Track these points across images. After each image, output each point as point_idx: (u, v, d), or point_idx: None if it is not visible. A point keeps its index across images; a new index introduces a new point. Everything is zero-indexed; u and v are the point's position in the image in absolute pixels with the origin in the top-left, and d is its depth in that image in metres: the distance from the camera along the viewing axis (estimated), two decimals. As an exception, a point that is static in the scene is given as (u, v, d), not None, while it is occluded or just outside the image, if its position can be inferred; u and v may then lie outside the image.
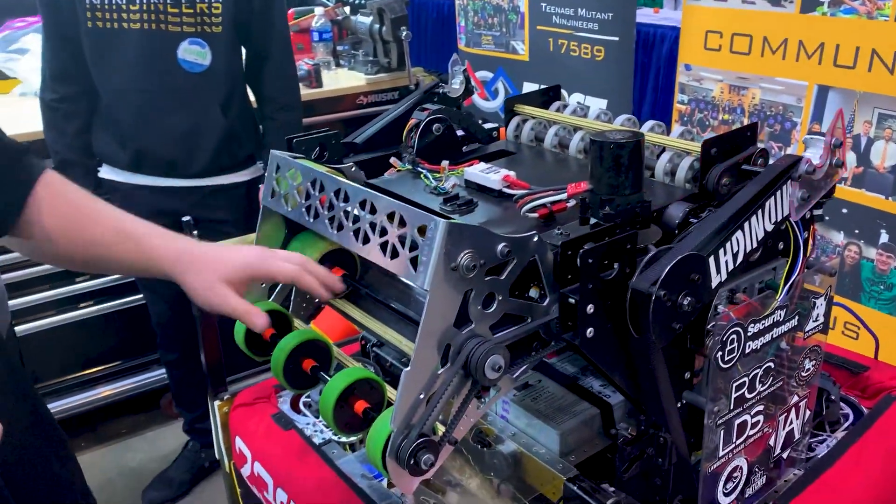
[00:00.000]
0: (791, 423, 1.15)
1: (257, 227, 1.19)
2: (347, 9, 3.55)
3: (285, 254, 1.10)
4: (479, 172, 1.19)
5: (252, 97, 2.57)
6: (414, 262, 0.90)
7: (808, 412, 1.17)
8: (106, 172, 2.51)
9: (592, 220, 0.98)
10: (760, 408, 1.07)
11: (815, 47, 2.13)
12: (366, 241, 0.97)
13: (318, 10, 3.49)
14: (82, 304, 3.02)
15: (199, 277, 1.04)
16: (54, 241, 1.06)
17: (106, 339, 3.15)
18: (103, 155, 2.48)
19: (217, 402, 1.63)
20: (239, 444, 1.47)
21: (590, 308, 0.84)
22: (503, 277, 0.92)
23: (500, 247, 0.91)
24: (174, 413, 3.15)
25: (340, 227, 1.01)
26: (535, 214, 1.06)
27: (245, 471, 1.43)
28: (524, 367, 0.95)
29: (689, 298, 0.87)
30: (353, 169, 1.29)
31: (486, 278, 0.91)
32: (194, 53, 2.25)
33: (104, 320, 3.06)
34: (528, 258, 0.94)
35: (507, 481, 1.22)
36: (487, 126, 1.50)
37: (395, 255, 0.92)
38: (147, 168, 2.43)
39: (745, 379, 1.01)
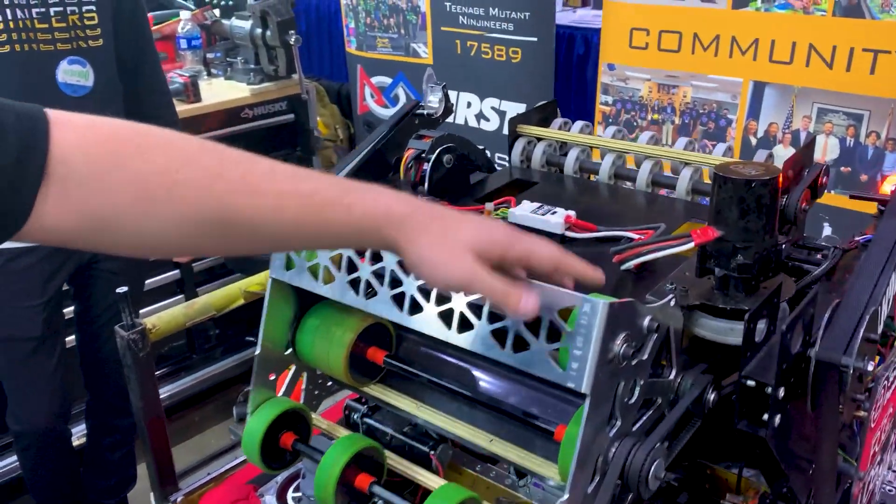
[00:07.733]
0: (889, 463, 1.05)
1: (265, 303, 0.93)
2: (217, 12, 3.18)
3: (539, 238, 0.75)
4: (531, 214, 1.00)
5: None
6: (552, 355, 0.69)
7: (897, 448, 1.08)
8: None
9: (719, 272, 0.83)
10: (879, 458, 0.96)
11: (750, 43, 2.10)
12: (464, 327, 0.75)
13: (185, 15, 3.08)
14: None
15: (436, 243, 0.69)
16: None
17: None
18: None
19: (170, 506, 1.33)
20: (225, 561, 1.19)
21: (780, 392, 0.68)
22: (646, 357, 0.74)
23: (647, 321, 0.72)
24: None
25: (415, 310, 0.78)
26: (631, 266, 0.89)
27: None
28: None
29: (871, 362, 0.73)
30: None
31: (633, 362, 0.72)
32: (76, 74, 1.86)
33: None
34: (665, 329, 0.76)
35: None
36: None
37: (520, 346, 0.71)
38: None
39: (881, 433, 0.90)
